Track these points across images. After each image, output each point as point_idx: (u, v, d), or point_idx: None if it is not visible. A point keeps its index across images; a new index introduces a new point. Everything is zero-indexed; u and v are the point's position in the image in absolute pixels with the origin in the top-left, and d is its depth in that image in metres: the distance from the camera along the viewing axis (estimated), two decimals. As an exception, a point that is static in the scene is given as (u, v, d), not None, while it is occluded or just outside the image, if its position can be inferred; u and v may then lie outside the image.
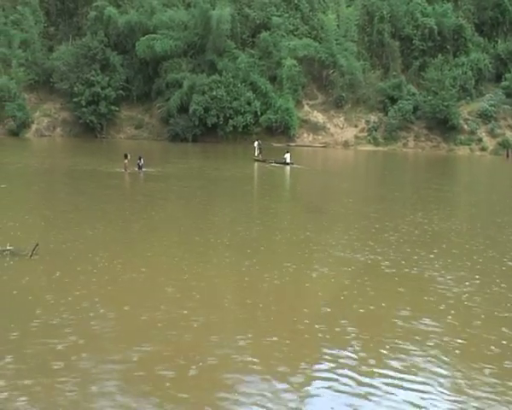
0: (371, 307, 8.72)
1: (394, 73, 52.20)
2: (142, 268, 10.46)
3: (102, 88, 48.34)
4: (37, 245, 10.77)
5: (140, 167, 25.57)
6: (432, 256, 11.87)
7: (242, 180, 26.41)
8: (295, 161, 31.84)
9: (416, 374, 6.56)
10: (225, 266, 11.16)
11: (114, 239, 13.14)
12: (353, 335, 7.67)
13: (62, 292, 9.02)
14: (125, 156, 25.21)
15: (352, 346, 7.30)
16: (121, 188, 22.64)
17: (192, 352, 6.97)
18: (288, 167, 30.98)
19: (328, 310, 8.60)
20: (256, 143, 36.82)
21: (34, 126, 49.60)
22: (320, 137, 50.56)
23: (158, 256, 11.55)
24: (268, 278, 10.11)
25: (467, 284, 10.06)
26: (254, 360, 6.80)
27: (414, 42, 52.73)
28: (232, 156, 40.82)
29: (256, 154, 35.54)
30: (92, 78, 48.13)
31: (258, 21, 51.85)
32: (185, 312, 8.31)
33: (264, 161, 33.24)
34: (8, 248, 10.86)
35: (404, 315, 8.48)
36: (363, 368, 6.68)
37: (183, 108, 47.95)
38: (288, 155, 31.90)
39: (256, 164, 33.05)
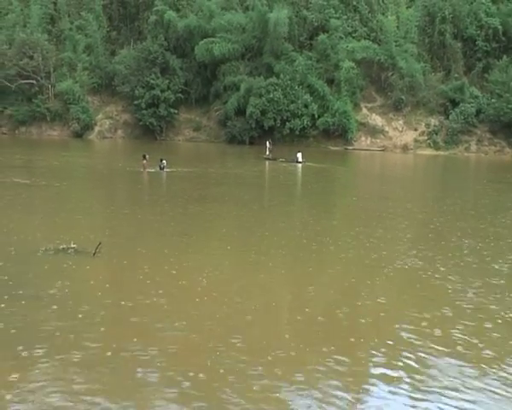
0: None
1: (456, 75, 50.70)
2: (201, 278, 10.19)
3: (162, 91, 49.10)
4: (99, 244, 11.05)
5: (162, 168, 26.13)
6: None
7: (280, 182, 26.53)
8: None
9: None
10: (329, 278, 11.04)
11: (172, 241, 13.17)
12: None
13: (120, 292, 9.20)
14: (144, 157, 25.91)
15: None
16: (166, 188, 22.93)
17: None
18: (299, 166, 32.84)
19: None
20: (267, 143, 38.62)
21: (97, 128, 50.96)
22: (378, 141, 49.68)
23: (219, 259, 11.57)
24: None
25: None
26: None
27: (477, 43, 50.96)
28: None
29: (267, 153, 37.16)
30: (152, 81, 48.97)
31: (315, 24, 51.38)
32: (249, 317, 8.26)
33: (274, 160, 35.19)
34: (72, 246, 11.17)
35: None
36: None
37: (241, 111, 48.21)
38: (299, 154, 33.80)
39: (267, 163, 34.36)
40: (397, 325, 8.25)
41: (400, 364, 6.99)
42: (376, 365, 6.97)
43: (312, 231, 14.80)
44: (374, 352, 7.30)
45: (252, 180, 26.83)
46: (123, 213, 16.85)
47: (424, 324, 8.26)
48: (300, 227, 15.44)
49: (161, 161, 26.46)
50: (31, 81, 49.42)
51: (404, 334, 7.91)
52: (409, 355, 7.20)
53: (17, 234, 12.66)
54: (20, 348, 6.95)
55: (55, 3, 54.36)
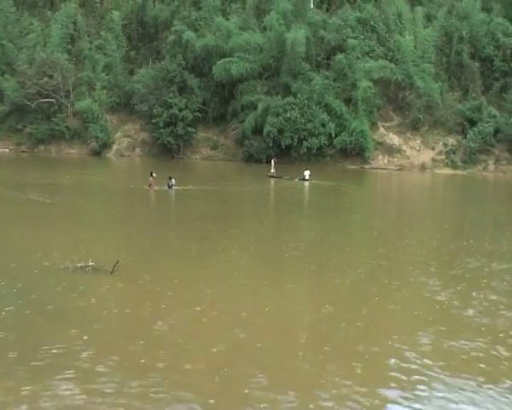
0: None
1: (474, 94, 50.58)
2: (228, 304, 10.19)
3: (180, 110, 49.29)
4: (117, 262, 11.10)
5: (170, 187, 26.12)
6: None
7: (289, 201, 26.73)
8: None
9: None
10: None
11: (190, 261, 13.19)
12: None
13: (137, 310, 9.28)
14: (151, 174, 25.87)
15: None
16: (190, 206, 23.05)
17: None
18: (306, 183, 33.58)
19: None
20: (272, 161, 39.67)
21: (115, 147, 51.22)
22: (395, 160, 49.48)
23: (234, 276, 11.63)
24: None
25: None
26: None
27: (495, 63, 50.92)
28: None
29: (272, 171, 37.56)
30: (170, 100, 49.17)
31: (333, 43, 51.57)
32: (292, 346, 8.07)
33: (279, 177, 35.53)
34: (90, 264, 11.30)
35: None
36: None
37: (258, 130, 48.30)
38: (307, 172, 34.46)
39: (272, 181, 34.82)
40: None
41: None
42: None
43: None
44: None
45: (259, 198, 27.49)
46: (136, 231, 17.09)
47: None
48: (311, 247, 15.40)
49: (170, 179, 26.45)
50: (50, 100, 49.92)
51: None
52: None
53: (36, 252, 12.81)
54: (36, 363, 7.05)
55: (74, 23, 55.02)
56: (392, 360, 7.72)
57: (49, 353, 7.36)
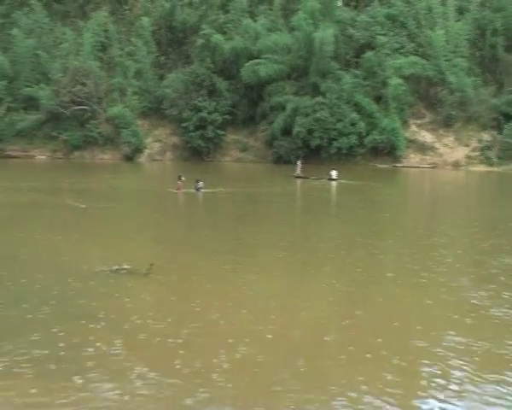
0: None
1: (509, 88, 49.26)
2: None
3: (209, 113, 49.59)
4: (151, 265, 11.18)
5: (197, 189, 26.15)
6: None
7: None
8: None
9: None
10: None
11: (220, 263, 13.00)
12: None
13: (172, 312, 9.38)
14: (179, 177, 26.01)
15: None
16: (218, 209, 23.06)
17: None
18: (334, 183, 33.26)
19: None
20: (298, 161, 38.87)
21: (146, 151, 51.78)
22: (428, 158, 48.72)
23: (271, 280, 11.38)
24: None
25: None
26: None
27: (531, 55, 49.60)
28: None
29: (298, 171, 36.97)
30: (200, 103, 49.54)
31: (362, 41, 51.02)
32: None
33: (306, 178, 35.20)
34: (124, 266, 11.47)
35: None
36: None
37: (287, 131, 48.17)
38: (334, 172, 34.11)
39: (298, 181, 34.56)
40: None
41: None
42: None
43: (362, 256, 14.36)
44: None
45: (287, 199, 27.55)
46: (167, 233, 17.28)
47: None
48: (346, 248, 15.15)
49: (197, 181, 26.52)
50: (83, 107, 50.83)
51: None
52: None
53: (71, 255, 13.18)
54: (74, 368, 7.17)
55: (105, 31, 55.83)
56: (425, 360, 7.78)
57: (85, 354, 7.56)
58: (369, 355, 7.83)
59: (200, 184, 26.51)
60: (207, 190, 26.68)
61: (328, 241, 16.35)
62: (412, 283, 11.69)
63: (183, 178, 26.23)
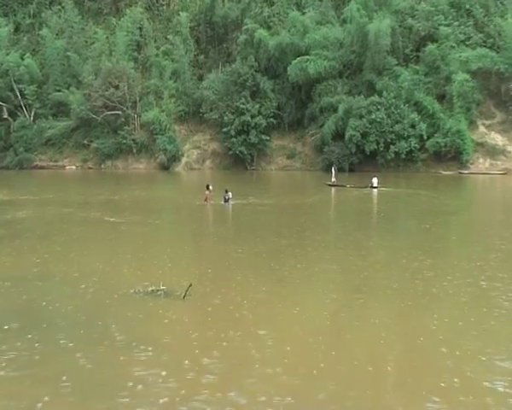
0: None
1: None
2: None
3: (253, 116, 47.13)
4: (190, 286, 10.59)
5: (226, 200, 24.92)
6: None
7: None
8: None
9: None
10: None
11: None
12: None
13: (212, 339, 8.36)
14: (207, 187, 24.97)
15: None
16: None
17: None
18: (375, 191, 31.29)
19: None
20: (333, 168, 36.97)
21: (184, 159, 49.58)
22: (499, 163, 44.98)
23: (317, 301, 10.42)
24: None
25: None
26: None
27: None
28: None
29: (333, 179, 35.10)
30: (242, 106, 47.13)
31: (422, 33, 48.10)
32: None
33: (343, 186, 33.32)
34: (161, 288, 10.89)
35: None
36: None
37: (339, 135, 45.58)
38: (375, 179, 32.39)
39: (333, 190, 32.49)
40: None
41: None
42: None
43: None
44: None
45: (324, 210, 25.39)
46: (201, 250, 16.17)
47: None
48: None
49: (226, 192, 25.17)
50: (116, 112, 48.74)
51: None
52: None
53: (105, 274, 12.38)
54: (109, 392, 6.64)
55: (140, 29, 54.15)
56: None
57: (122, 384, 6.85)
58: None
59: (229, 194, 25.11)
60: (238, 202, 24.98)
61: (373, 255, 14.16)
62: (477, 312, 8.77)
63: (210, 187, 24.97)
